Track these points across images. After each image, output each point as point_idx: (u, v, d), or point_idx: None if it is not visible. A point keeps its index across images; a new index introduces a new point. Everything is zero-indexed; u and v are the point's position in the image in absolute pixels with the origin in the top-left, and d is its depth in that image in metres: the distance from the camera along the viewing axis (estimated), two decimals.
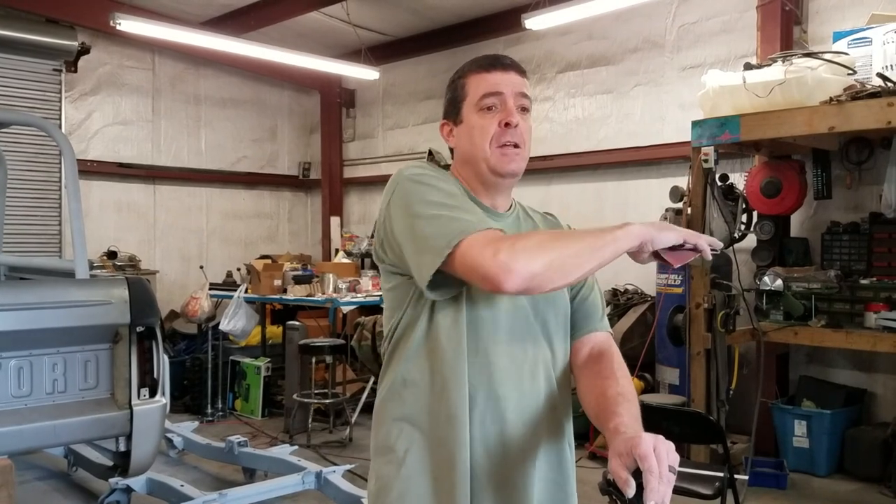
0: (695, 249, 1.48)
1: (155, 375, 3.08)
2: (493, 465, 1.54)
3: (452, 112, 1.68)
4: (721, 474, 3.65)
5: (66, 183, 3.12)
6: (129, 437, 3.07)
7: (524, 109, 1.64)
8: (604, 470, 1.42)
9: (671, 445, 1.25)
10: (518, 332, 1.58)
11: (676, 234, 1.46)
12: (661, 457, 1.22)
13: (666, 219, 5.71)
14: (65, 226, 7.52)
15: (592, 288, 1.75)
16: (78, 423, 2.97)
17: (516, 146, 1.61)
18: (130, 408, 3.09)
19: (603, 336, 1.70)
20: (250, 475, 5.06)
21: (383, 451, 1.61)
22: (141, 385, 3.05)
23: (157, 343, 3.11)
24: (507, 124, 1.59)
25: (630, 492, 1.20)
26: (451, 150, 1.73)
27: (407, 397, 1.58)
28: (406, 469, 1.56)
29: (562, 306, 1.66)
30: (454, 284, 1.48)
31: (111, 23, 6.07)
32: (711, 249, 1.48)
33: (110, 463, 3.44)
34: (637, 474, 1.22)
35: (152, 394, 3.09)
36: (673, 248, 1.47)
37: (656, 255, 1.47)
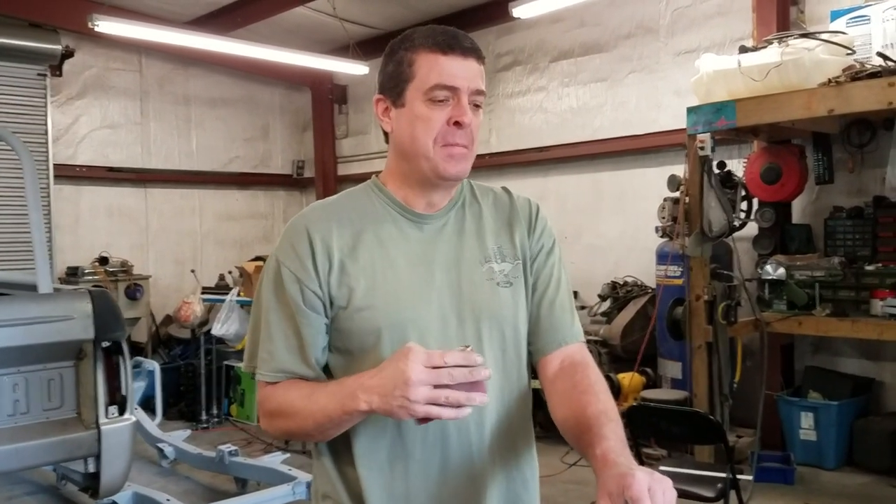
0: None
1: (123, 392, 2.95)
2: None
3: (393, 90, 1.47)
4: (724, 475, 3.52)
5: (26, 192, 2.98)
6: (97, 458, 2.94)
7: (477, 106, 1.46)
8: None
9: (668, 483, 1.12)
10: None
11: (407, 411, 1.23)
12: (656, 498, 1.09)
13: (664, 209, 5.55)
14: (53, 233, 7.39)
15: (559, 285, 1.56)
16: (42, 446, 2.84)
17: (465, 147, 1.44)
18: (98, 427, 2.95)
19: (575, 347, 1.54)
20: (242, 485, 4.95)
21: None
22: (109, 403, 2.92)
23: (125, 358, 2.97)
24: (457, 123, 1.41)
25: None
26: (386, 133, 1.54)
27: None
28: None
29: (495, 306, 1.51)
30: None
31: (89, 24, 5.91)
32: None
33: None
34: None
35: (121, 411, 2.96)
36: None
37: None
